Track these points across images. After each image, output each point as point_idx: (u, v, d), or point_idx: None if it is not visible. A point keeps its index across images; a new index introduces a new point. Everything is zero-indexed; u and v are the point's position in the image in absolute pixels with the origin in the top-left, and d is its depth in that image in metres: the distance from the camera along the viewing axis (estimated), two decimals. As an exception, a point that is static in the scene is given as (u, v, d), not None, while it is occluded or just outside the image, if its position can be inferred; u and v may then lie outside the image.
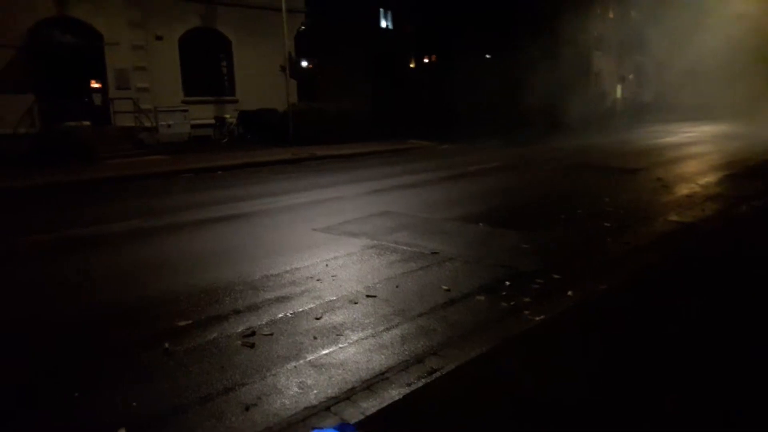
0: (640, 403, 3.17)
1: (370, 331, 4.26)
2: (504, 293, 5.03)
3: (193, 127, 19.74)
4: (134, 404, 3.28)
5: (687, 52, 33.97)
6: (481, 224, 7.69)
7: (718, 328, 4.22)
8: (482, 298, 4.95)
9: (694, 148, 17.36)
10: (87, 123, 17.92)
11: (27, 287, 5.58)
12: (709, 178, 11.20)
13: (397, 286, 5.23)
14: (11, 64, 16.95)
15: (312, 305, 4.79)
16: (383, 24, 33.78)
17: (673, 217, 8.07)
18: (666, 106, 41.55)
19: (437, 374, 3.53)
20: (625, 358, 3.77)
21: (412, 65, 37.00)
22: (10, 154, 15.93)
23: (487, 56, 33.54)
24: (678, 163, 13.91)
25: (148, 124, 18.97)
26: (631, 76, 45.50)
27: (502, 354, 3.85)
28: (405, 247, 6.54)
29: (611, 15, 40.36)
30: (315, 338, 4.14)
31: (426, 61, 37.66)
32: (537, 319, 4.44)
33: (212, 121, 21.29)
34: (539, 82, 26.98)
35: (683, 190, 10.14)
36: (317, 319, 4.49)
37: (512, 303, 4.80)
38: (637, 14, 40.61)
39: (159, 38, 20.05)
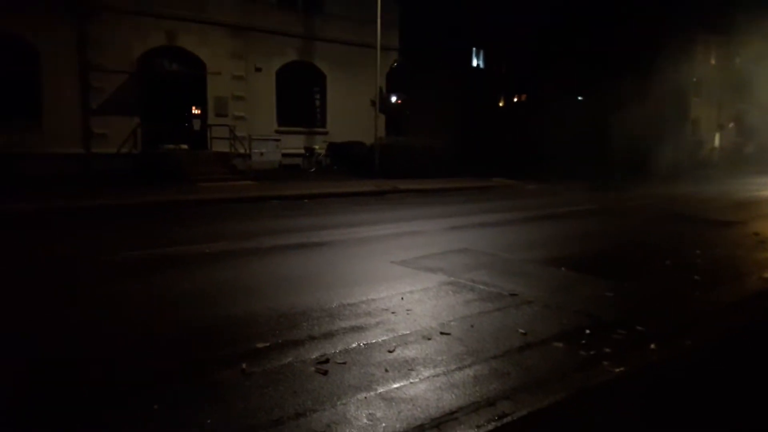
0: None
1: (442, 368, 4.23)
2: (583, 341, 4.87)
3: (283, 155, 20.50)
4: (208, 421, 3.40)
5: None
6: (563, 269, 7.50)
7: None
8: (560, 344, 4.81)
9: (800, 203, 16.28)
10: (185, 146, 19.02)
11: (115, 302, 5.92)
12: (815, 237, 10.45)
13: (472, 326, 5.17)
14: (122, 88, 18.32)
15: (385, 337, 4.82)
16: (474, 63, 34.00)
17: (770, 275, 7.58)
18: (769, 158, 39.22)
19: (508, 419, 3.46)
20: (706, 419, 3.55)
21: (501, 104, 36.93)
22: (113, 172, 17.13)
23: (579, 98, 33.03)
24: (780, 218, 13.08)
25: (242, 150, 19.87)
26: (731, 125, 43.35)
27: (578, 404, 3.73)
28: (482, 287, 6.47)
29: (713, 61, 38.85)
30: (387, 371, 4.15)
31: (516, 100, 37.51)
32: (617, 371, 4.27)
33: (302, 151, 22.05)
34: (633, 126, 26.25)
35: (783, 247, 9.52)
36: (390, 351, 4.51)
37: (592, 352, 4.63)
38: (741, 60, 38.85)
39: (258, 69, 21.11)
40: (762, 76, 33.77)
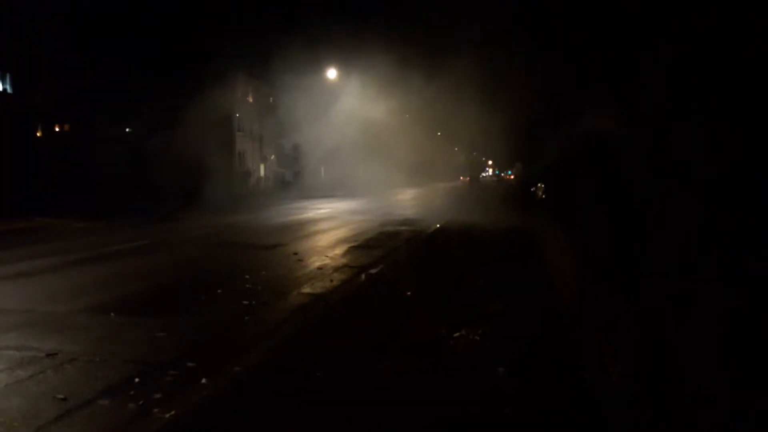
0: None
1: (-55, 473, 3.36)
2: (132, 392, 4.57)
3: None
4: None
5: (324, 137, 37.94)
6: (112, 314, 7.01)
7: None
8: (106, 402, 4.41)
9: (327, 223, 19.14)
10: None
11: None
12: (337, 251, 12.39)
13: (-6, 406, 4.31)
14: None
15: None
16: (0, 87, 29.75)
17: (306, 290, 8.61)
18: (306, 185, 45.57)
19: None
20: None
21: (39, 134, 33.26)
22: None
23: (128, 129, 32.26)
24: (312, 238, 15.11)
25: None
26: (272, 157, 48.84)
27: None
28: (12, 352, 5.51)
29: (251, 99, 43.03)
30: None
31: (58, 129, 34.35)
32: (167, 416, 4.13)
33: None
34: (185, 159, 26.88)
35: (316, 262, 10.96)
36: None
37: (141, 402, 4.38)
38: (275, 100, 44.11)
39: None
40: (295, 115, 39.00)
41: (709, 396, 2.58)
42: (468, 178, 58.47)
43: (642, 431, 3.34)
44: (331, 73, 39.37)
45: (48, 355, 5.41)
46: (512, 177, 55.91)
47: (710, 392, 2.56)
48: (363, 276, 9.59)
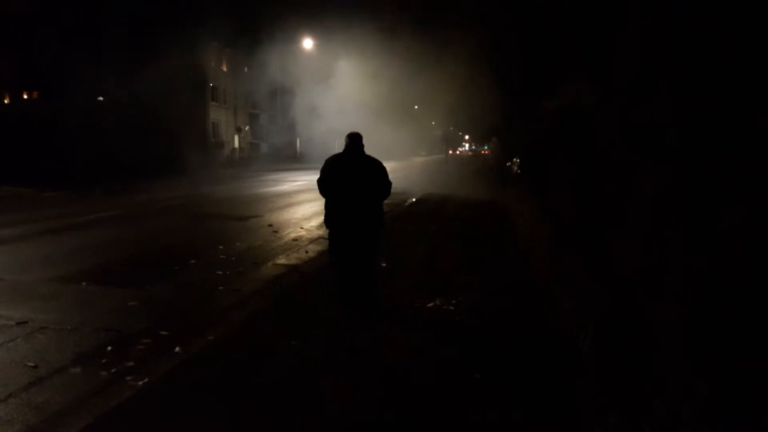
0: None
1: None
2: (104, 360, 4.56)
3: None
4: None
5: (300, 109, 37.29)
6: (84, 283, 6.94)
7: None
8: (78, 370, 4.40)
9: (303, 195, 19.01)
10: None
11: None
12: (313, 223, 12.35)
13: (-38, 373, 4.27)
14: None
15: None
16: (-36, 51, 28.74)
17: (282, 261, 8.61)
18: (281, 157, 45.14)
19: (8, 477, 2.93)
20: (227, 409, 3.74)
21: (6, 101, 32.37)
22: None
23: (99, 98, 31.51)
24: (288, 210, 15.02)
25: None
26: (247, 128, 48.19)
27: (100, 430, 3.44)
28: (-19, 321, 5.44)
29: (225, 68, 42.24)
30: None
31: (26, 97, 33.42)
32: (140, 384, 4.13)
33: None
34: (158, 129, 26.37)
35: (291, 234, 10.94)
36: None
37: (113, 370, 4.38)
38: (251, 70, 43.36)
39: None
40: (269, 89, 38.33)
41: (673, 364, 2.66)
42: (453, 152, 58.67)
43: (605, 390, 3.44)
44: (308, 44, 38.73)
45: (18, 324, 5.36)
46: (488, 152, 56.10)
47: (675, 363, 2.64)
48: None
